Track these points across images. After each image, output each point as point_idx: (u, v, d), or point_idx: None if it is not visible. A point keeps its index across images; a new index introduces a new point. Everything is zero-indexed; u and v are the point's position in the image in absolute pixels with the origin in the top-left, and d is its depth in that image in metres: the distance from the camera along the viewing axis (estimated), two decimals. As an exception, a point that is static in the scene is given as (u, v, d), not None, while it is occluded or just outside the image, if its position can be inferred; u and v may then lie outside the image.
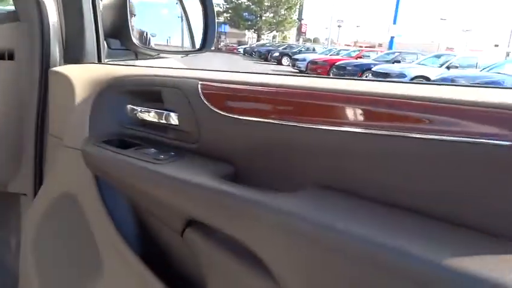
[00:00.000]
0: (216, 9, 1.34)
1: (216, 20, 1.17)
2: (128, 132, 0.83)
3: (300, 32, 47.34)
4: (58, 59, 1.01)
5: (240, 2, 41.38)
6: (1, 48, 1.01)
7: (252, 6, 40.78)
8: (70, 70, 0.93)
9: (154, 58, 1.18)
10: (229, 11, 41.79)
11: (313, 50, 22.63)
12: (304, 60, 16.82)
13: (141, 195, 0.74)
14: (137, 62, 1.11)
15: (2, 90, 1.02)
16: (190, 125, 0.73)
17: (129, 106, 0.81)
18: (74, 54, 0.98)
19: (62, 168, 0.88)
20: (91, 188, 0.81)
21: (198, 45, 1.35)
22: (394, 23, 29.55)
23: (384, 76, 10.69)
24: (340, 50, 20.10)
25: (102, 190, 0.80)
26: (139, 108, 0.80)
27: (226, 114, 0.67)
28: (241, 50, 32.40)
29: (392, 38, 29.08)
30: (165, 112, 0.75)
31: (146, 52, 1.12)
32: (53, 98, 0.97)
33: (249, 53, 28.56)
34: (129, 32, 1.02)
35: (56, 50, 1.01)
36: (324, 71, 14.67)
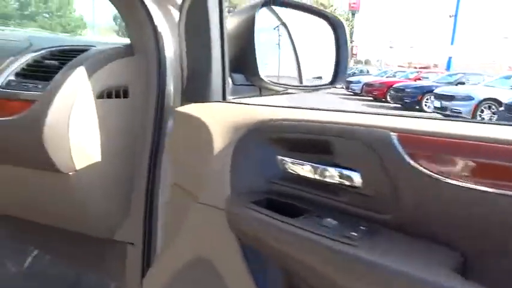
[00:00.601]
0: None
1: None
2: (275, 189, 0.67)
3: (351, 54, 46.91)
4: (174, 97, 0.93)
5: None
6: (116, 86, 0.96)
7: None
8: (198, 110, 0.80)
9: (280, 94, 1.03)
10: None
11: (367, 72, 22.13)
12: (358, 82, 16.44)
13: (313, 276, 0.56)
14: (261, 100, 0.97)
15: (114, 130, 0.97)
16: (381, 189, 0.55)
17: (279, 157, 0.66)
18: (197, 91, 0.85)
19: (195, 228, 0.75)
20: (234, 254, 0.66)
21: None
22: (452, 43, 28.47)
23: (448, 99, 10.09)
24: (397, 71, 19.46)
25: (248, 257, 0.66)
26: (293, 161, 0.64)
27: (442, 178, 0.49)
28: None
29: (450, 58, 27.98)
30: (337, 169, 0.58)
31: (274, 88, 0.97)
32: (177, 142, 0.86)
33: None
34: (256, 65, 0.87)
35: (174, 87, 0.94)
36: (380, 93, 14.22)
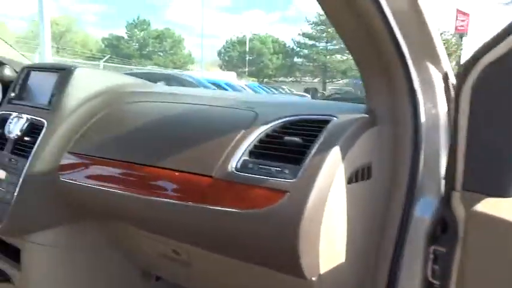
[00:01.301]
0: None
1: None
2: None
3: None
4: (423, 177, 0.79)
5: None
6: (361, 166, 0.81)
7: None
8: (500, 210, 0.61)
9: None
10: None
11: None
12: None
13: None
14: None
15: (355, 221, 0.81)
16: None
17: None
18: (489, 182, 0.64)
19: None
20: None
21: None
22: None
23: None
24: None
25: None
26: None
27: None
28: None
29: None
30: None
31: None
32: (471, 250, 0.65)
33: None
34: None
35: (428, 167, 0.80)
36: None
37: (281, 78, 43.22)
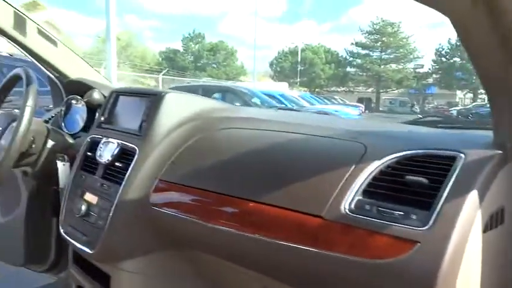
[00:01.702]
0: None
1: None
2: None
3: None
4: None
5: (452, 61, 40.91)
6: (496, 210, 0.71)
7: (467, 65, 38.74)
8: None
9: None
10: (439, 71, 41.63)
11: None
12: None
13: None
14: None
15: (489, 267, 0.70)
16: None
17: None
18: None
19: None
20: None
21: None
22: None
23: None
24: None
25: None
26: None
27: None
28: (454, 112, 31.01)
29: None
30: None
31: None
32: None
33: (464, 115, 26.75)
34: None
35: None
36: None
37: (333, 88, 42.67)
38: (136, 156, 1.00)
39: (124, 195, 0.97)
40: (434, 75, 40.68)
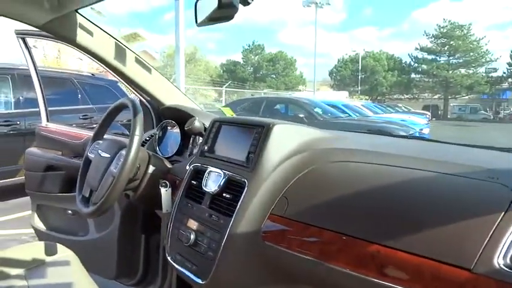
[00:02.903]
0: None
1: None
2: None
3: None
4: None
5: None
6: None
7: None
8: None
9: None
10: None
11: None
12: None
13: None
14: None
15: None
16: None
17: None
18: None
19: None
20: None
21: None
22: None
23: None
24: None
25: None
26: None
27: None
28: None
29: None
30: None
31: None
32: None
33: None
34: None
35: None
36: None
37: (396, 96, 41.09)
38: (246, 189, 0.97)
39: (235, 227, 0.95)
40: (510, 79, 37.78)
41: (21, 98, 4.35)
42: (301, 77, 41.44)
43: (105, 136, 1.42)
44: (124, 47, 1.43)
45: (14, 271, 1.26)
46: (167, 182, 1.24)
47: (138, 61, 1.48)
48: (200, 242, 1.02)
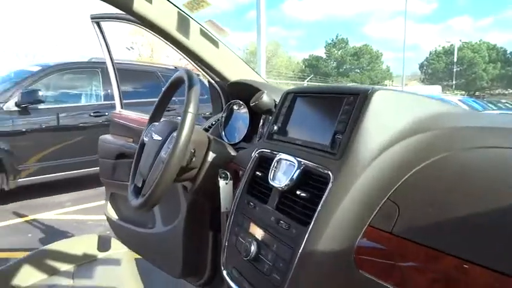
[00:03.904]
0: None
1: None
2: None
3: None
4: None
5: None
6: None
7: None
8: None
9: None
10: None
11: None
12: None
13: None
14: None
15: None
16: None
17: None
18: None
19: None
20: None
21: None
22: None
23: None
24: None
25: None
26: None
27: None
28: None
29: None
30: None
31: None
32: None
33: None
34: None
35: None
36: None
37: (498, 91, 36.93)
38: (330, 186, 0.66)
39: (313, 243, 0.65)
40: None
41: (109, 90, 4.53)
42: (387, 71, 39.38)
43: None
44: (187, 16, 1.25)
45: (63, 267, 1.17)
46: (227, 173, 1.01)
47: (203, 34, 1.28)
48: (263, 257, 0.75)
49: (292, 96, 0.90)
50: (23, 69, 4.67)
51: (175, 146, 0.88)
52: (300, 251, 0.65)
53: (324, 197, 0.66)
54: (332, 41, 39.38)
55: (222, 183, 1.00)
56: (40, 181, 4.06)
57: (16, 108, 3.92)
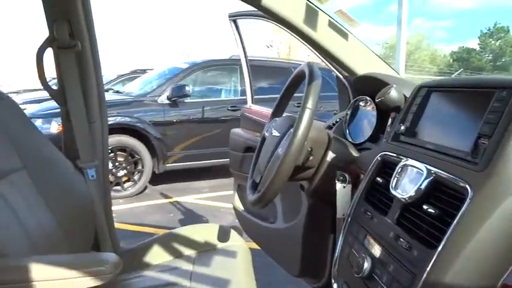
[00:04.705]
0: None
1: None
2: None
3: None
4: None
5: None
6: None
7: None
8: None
9: None
10: None
11: None
12: None
13: None
14: None
15: None
16: None
17: None
18: None
19: None
20: None
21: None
22: None
23: None
24: None
25: None
26: None
27: None
28: None
29: None
30: None
31: None
32: None
33: None
34: None
35: None
36: None
37: None
38: (468, 203, 0.55)
39: (440, 272, 0.53)
40: None
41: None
42: None
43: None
44: (316, 8, 1.20)
45: (186, 251, 1.25)
46: (346, 175, 0.93)
47: (332, 25, 1.22)
48: (377, 278, 0.66)
49: (425, 91, 0.78)
50: (175, 66, 5.26)
51: (290, 143, 0.85)
52: (422, 279, 0.55)
53: (458, 216, 0.55)
54: (488, 30, 34.46)
55: (339, 186, 0.94)
56: (183, 167, 4.52)
57: (167, 101, 4.44)
